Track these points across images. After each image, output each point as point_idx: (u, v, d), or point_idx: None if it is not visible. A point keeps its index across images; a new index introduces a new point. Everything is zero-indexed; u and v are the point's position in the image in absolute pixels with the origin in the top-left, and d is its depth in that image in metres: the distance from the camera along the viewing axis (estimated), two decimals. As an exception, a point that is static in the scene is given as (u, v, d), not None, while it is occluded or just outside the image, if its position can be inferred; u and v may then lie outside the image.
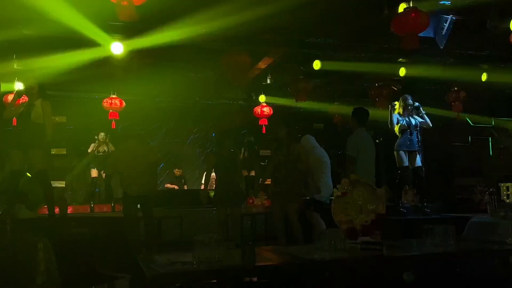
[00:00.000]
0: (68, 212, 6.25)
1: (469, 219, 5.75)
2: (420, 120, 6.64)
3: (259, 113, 9.37)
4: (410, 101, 6.66)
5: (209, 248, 2.70)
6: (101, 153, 9.67)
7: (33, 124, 5.16)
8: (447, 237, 3.22)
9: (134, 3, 4.02)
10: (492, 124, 10.21)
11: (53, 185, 10.32)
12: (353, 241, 3.49)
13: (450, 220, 6.20)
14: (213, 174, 6.71)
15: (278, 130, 6.16)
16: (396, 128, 6.59)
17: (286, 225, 6.18)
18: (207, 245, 2.70)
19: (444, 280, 3.75)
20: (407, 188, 7.01)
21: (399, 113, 6.63)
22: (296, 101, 8.47)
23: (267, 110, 9.36)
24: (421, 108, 6.69)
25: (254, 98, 9.74)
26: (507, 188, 6.02)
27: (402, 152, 6.54)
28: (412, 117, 6.63)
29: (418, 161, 6.65)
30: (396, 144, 6.59)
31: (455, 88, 8.33)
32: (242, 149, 10.76)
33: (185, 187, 10.67)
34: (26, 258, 4.19)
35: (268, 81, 8.83)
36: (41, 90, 5.30)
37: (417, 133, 6.63)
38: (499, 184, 6.24)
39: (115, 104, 8.01)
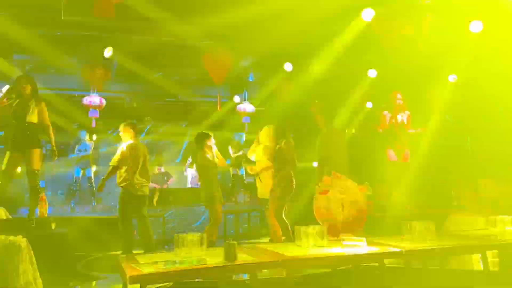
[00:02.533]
0: (48, 212, 6.15)
1: (448, 214, 5.87)
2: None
3: (242, 111, 9.38)
4: (399, 96, 6.76)
5: (191, 247, 2.70)
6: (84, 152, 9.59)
7: (28, 124, 5.19)
8: (427, 233, 3.27)
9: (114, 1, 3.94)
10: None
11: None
12: (335, 238, 3.52)
13: (430, 216, 6.31)
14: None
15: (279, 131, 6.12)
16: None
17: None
18: (189, 244, 2.70)
19: (424, 275, 3.82)
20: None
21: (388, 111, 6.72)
22: (278, 98, 8.50)
23: (249, 108, 9.37)
24: None
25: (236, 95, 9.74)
26: (485, 184, 6.16)
27: (388, 150, 6.62)
28: (399, 114, 6.72)
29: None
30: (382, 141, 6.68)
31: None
32: (230, 147, 10.79)
33: (171, 181, 10.64)
34: (5, 259, 4.12)
35: (251, 79, 8.84)
36: (34, 90, 5.30)
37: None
38: (478, 180, 6.38)
39: (95, 102, 7.91)
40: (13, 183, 5.38)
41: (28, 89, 5.25)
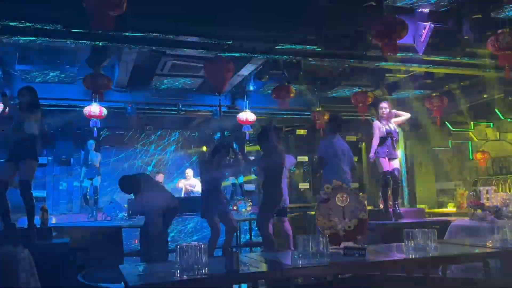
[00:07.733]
0: (49, 222, 6.13)
1: (450, 222, 5.85)
2: (398, 118, 6.81)
3: (244, 120, 9.37)
4: (384, 105, 6.75)
5: (192, 256, 2.69)
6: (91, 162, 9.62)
7: (27, 136, 5.17)
8: (428, 241, 3.26)
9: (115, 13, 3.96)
10: (471, 129, 10.37)
11: (34, 195, 10.33)
12: (336, 247, 3.51)
13: (431, 223, 6.29)
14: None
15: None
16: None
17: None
18: (190, 253, 2.69)
19: (426, 284, 3.80)
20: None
21: (378, 121, 6.73)
22: (279, 107, 8.49)
23: (251, 116, 9.36)
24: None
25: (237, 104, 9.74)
26: (487, 191, 6.14)
27: (382, 159, 6.63)
28: (390, 123, 6.72)
29: (397, 164, 6.79)
30: (375, 151, 6.65)
31: (435, 94, 8.45)
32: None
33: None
34: (6, 270, 4.12)
35: (252, 88, 8.84)
36: (32, 101, 5.30)
37: (394, 139, 6.74)
38: (479, 187, 6.36)
39: (95, 112, 7.93)
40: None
41: (25, 100, 5.24)
